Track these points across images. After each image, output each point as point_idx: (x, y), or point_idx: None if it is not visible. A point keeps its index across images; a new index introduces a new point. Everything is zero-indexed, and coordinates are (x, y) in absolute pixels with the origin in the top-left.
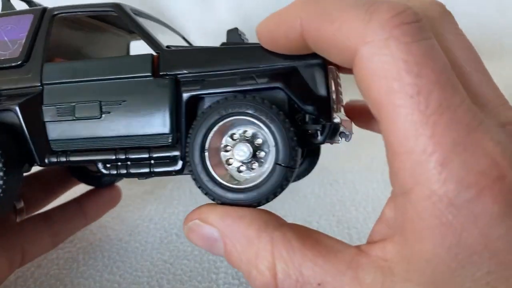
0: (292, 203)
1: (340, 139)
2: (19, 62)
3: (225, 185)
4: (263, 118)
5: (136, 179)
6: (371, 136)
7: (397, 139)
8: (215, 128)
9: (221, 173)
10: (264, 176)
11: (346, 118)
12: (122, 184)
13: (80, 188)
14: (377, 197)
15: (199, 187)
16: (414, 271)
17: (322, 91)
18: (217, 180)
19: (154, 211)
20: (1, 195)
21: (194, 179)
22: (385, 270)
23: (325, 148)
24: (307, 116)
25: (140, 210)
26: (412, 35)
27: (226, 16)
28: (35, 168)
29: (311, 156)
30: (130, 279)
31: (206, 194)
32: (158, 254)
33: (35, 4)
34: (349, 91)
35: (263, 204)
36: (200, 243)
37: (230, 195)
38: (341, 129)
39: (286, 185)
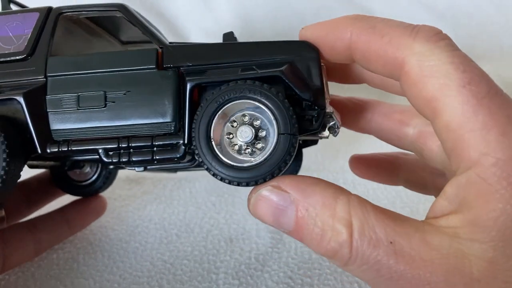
0: None
1: (328, 132)
2: (23, 56)
3: (238, 167)
4: (258, 97)
5: (133, 182)
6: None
7: (457, 123)
8: (216, 116)
9: (229, 157)
10: (271, 148)
11: (336, 111)
12: (122, 184)
13: (66, 200)
14: (377, 197)
15: (214, 175)
16: (481, 232)
17: (317, 82)
18: (229, 164)
19: (154, 211)
20: (1, 184)
21: (207, 169)
22: (451, 234)
23: (325, 148)
24: (303, 104)
25: (140, 210)
26: (451, 46)
27: (226, 17)
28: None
29: (295, 159)
30: (130, 279)
31: (221, 179)
32: (158, 254)
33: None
34: None
35: (277, 174)
36: (267, 213)
37: (246, 174)
38: (334, 120)
39: (294, 151)
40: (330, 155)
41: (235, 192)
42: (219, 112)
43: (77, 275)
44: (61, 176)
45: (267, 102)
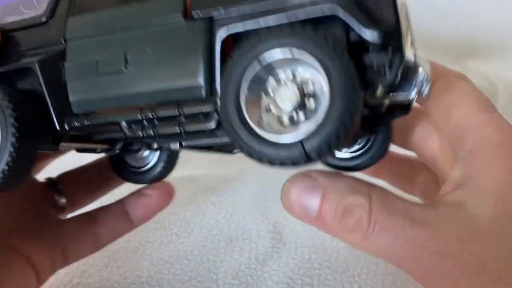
0: None
1: (414, 92)
2: (43, 20)
3: (277, 143)
4: (308, 45)
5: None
6: None
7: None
8: (249, 73)
9: (269, 129)
10: (324, 112)
11: (424, 59)
12: (122, 184)
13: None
14: None
15: (251, 157)
16: (483, 197)
17: (389, 13)
18: (269, 141)
19: None
20: (11, 167)
21: (248, 153)
22: (456, 205)
23: None
24: (370, 47)
25: None
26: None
27: None
28: (78, 163)
29: (383, 131)
30: (130, 279)
31: (258, 159)
32: (158, 254)
33: None
34: None
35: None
36: (296, 199)
37: (290, 151)
38: (421, 72)
39: (357, 112)
40: None
41: (235, 192)
42: (255, 67)
43: (77, 274)
44: (119, 162)
45: (317, 53)
